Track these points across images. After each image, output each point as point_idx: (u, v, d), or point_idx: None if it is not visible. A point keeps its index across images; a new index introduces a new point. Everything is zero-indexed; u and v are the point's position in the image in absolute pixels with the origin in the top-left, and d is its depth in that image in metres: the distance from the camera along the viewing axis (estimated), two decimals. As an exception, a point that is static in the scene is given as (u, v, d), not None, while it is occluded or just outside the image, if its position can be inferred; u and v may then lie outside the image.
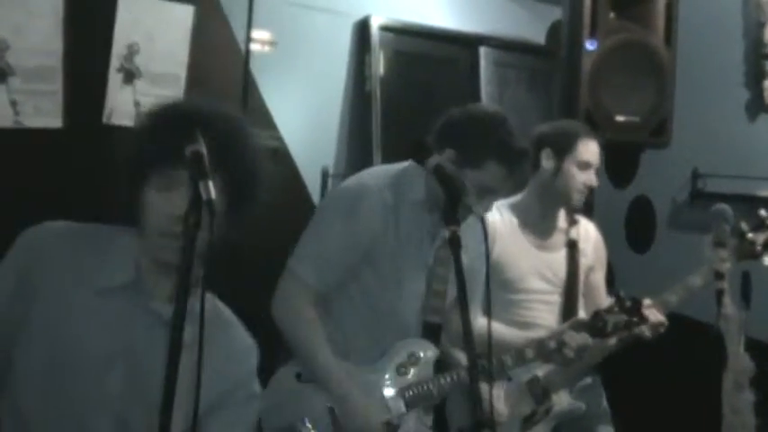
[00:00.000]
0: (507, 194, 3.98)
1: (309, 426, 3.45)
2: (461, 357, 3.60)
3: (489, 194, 3.41)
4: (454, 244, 2.91)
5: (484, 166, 3.36)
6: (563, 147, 4.24)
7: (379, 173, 3.64)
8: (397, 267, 3.50)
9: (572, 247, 4.38)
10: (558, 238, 4.38)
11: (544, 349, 3.84)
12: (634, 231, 5.95)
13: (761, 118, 5.80)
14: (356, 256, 3.47)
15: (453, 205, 3.03)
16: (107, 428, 2.44)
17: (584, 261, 4.40)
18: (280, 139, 5.86)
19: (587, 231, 4.45)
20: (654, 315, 4.03)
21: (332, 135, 6.05)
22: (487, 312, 3.00)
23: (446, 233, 2.82)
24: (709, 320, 3.57)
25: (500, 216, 4.27)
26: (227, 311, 2.78)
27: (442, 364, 3.68)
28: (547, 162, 4.25)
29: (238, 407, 2.65)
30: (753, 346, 3.55)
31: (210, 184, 2.20)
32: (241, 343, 2.73)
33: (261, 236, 5.67)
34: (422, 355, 3.57)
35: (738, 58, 5.81)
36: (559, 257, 4.36)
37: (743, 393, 3.54)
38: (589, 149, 4.22)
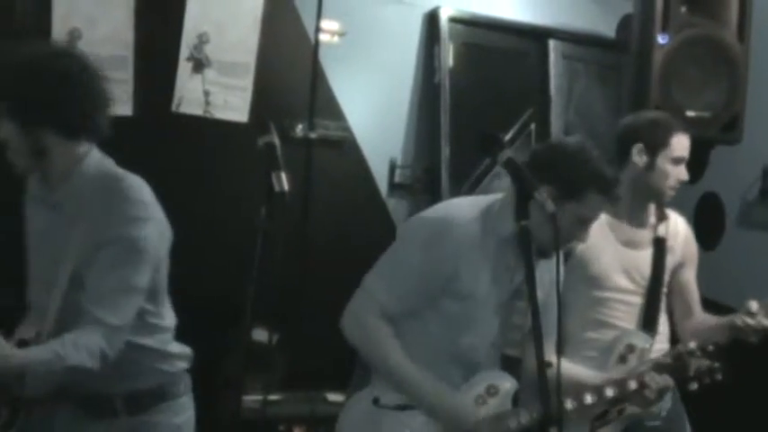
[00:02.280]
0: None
1: None
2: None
3: (587, 224, 3.40)
4: (524, 238, 2.92)
5: (583, 197, 3.32)
6: (657, 142, 4.13)
7: (465, 205, 3.55)
8: (476, 301, 3.43)
9: (659, 245, 4.28)
10: (646, 235, 4.27)
11: (625, 390, 3.77)
12: (703, 228, 5.85)
13: (832, 115, 5.72)
14: (433, 286, 3.41)
15: (524, 200, 3.07)
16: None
17: (672, 259, 4.29)
18: (348, 129, 5.87)
19: (677, 226, 4.34)
20: (760, 320, 3.94)
21: (400, 126, 6.03)
22: (558, 350, 3.05)
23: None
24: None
25: None
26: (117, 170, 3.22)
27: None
28: (639, 158, 4.14)
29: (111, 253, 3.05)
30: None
31: (283, 175, 2.20)
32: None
33: (328, 227, 5.74)
34: (500, 387, 3.50)
35: (811, 53, 5.73)
36: (645, 255, 4.25)
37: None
38: (682, 144, 4.13)
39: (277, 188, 2.21)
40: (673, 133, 4.11)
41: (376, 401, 3.48)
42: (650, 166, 4.13)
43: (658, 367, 3.82)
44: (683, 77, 5.40)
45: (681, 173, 4.13)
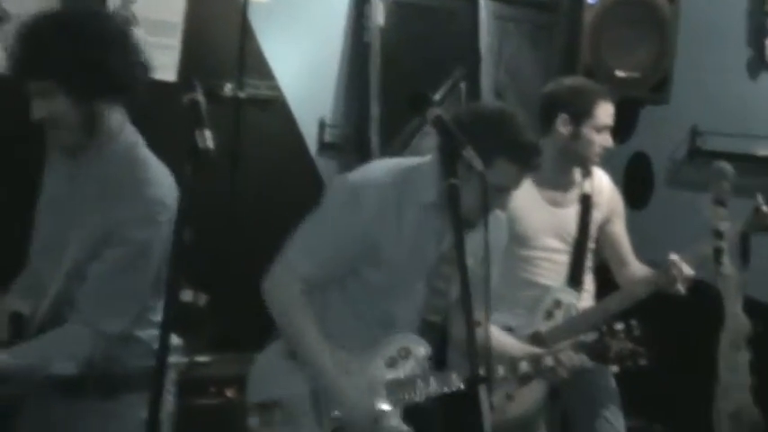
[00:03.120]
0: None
1: (289, 403, 3.42)
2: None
3: (503, 193, 3.33)
4: (452, 198, 2.88)
5: (494, 165, 3.22)
6: (581, 112, 4.15)
7: (389, 168, 3.49)
8: (398, 268, 3.40)
9: (585, 201, 4.32)
10: (572, 194, 4.32)
11: (539, 365, 3.73)
12: (632, 188, 5.91)
13: (762, 76, 5.77)
14: (353, 251, 3.38)
15: (452, 158, 2.98)
16: None
17: (598, 214, 4.34)
18: (277, 89, 5.80)
19: (601, 182, 4.39)
20: (684, 269, 3.98)
21: (330, 86, 5.98)
22: (486, 316, 2.98)
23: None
24: (708, 279, 3.55)
25: None
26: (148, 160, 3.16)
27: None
28: (564, 128, 4.17)
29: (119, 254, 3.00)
30: (750, 306, 3.52)
31: (208, 133, 2.16)
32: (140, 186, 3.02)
33: (257, 187, 5.69)
34: (413, 350, 3.48)
35: (741, 15, 5.77)
36: (572, 213, 4.31)
37: (739, 352, 3.53)
38: (606, 112, 4.15)
39: (201, 146, 2.16)
40: (596, 102, 4.12)
41: (291, 355, 3.45)
42: (575, 135, 4.16)
43: (577, 346, 3.79)
44: (613, 38, 5.43)
45: (605, 140, 4.15)
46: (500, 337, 3.83)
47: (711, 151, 5.64)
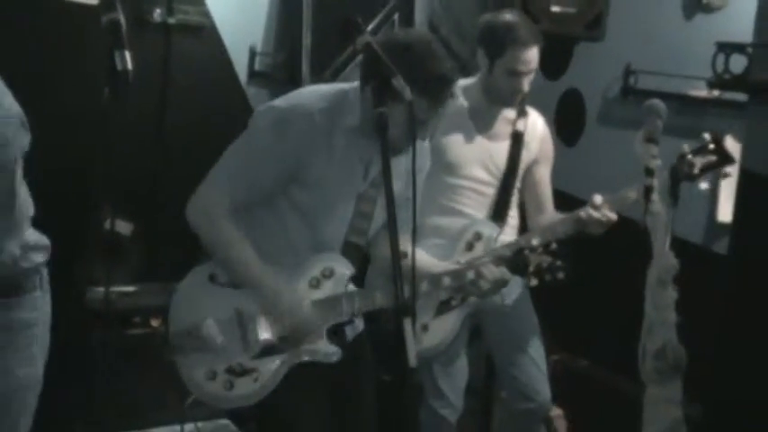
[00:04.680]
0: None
1: (213, 327, 3.39)
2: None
3: (419, 126, 3.25)
4: (380, 126, 2.91)
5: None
6: (493, 51, 4.11)
7: (316, 94, 3.47)
8: (327, 191, 3.39)
9: (516, 138, 4.31)
10: (504, 129, 4.30)
11: (461, 279, 3.76)
12: (564, 124, 5.91)
13: (697, 17, 5.78)
14: (280, 175, 3.37)
15: (381, 87, 3.02)
16: None
17: (527, 155, 4.34)
18: (207, 15, 5.71)
19: (535, 124, 4.37)
20: (604, 212, 4.01)
21: (261, 13, 5.91)
22: (413, 240, 3.02)
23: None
24: (637, 217, 3.54)
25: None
26: None
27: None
28: (481, 60, 4.17)
29: None
30: (678, 245, 3.53)
31: (127, 54, 2.08)
32: None
33: (186, 115, 5.61)
34: (336, 270, 3.48)
35: (678, -45, 5.76)
36: (502, 148, 4.30)
37: (666, 290, 3.52)
38: (519, 58, 4.07)
39: (120, 67, 2.09)
40: (509, 45, 4.05)
41: (212, 278, 3.45)
42: (490, 71, 4.13)
43: (497, 260, 3.82)
44: (550, -29, 5.37)
45: (517, 85, 4.10)
46: (422, 258, 3.79)
47: (644, 90, 5.66)
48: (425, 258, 3.88)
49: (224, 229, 3.36)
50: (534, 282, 3.81)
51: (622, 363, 4.01)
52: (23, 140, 2.90)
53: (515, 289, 4.39)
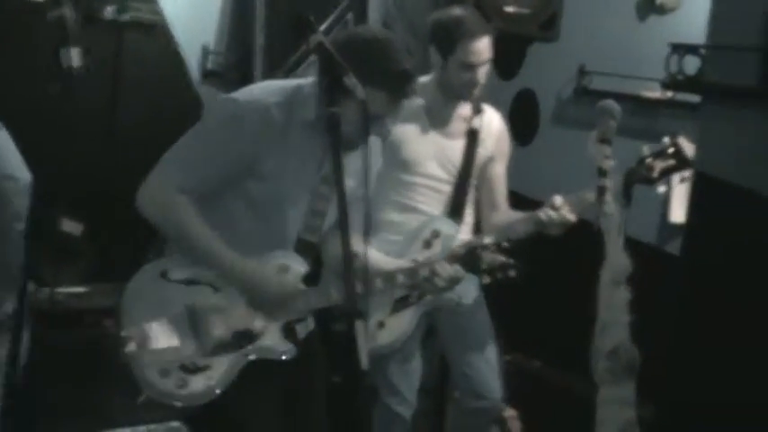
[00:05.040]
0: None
1: (166, 324, 3.38)
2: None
3: (377, 121, 3.29)
4: (332, 126, 2.96)
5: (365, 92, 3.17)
6: (445, 46, 4.12)
7: (272, 88, 3.48)
8: (282, 185, 3.40)
9: (472, 136, 4.30)
10: (460, 126, 4.30)
11: (415, 276, 3.79)
12: (518, 124, 5.88)
13: (651, 18, 5.78)
14: (231, 168, 3.36)
15: (333, 86, 3.06)
16: None
17: (483, 152, 4.33)
18: (160, 13, 5.68)
19: (491, 121, 4.37)
20: (563, 214, 4.00)
21: (214, 12, 5.93)
22: (365, 240, 3.06)
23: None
24: (590, 217, 3.54)
25: None
26: None
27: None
28: (434, 57, 4.17)
29: None
30: (631, 245, 3.53)
31: (73, 50, 2.04)
32: None
33: (138, 113, 5.57)
34: (291, 267, 3.47)
35: (632, -45, 5.77)
36: (458, 145, 4.29)
37: (619, 291, 3.53)
38: (471, 50, 4.07)
39: (66, 64, 2.05)
40: (459, 39, 4.06)
41: (164, 275, 3.43)
42: (443, 67, 4.14)
43: (451, 258, 3.85)
44: (503, -29, 5.36)
45: (472, 78, 4.11)
46: (376, 256, 3.84)
47: (598, 91, 5.64)
48: (379, 256, 3.90)
49: (176, 208, 3.34)
50: (487, 279, 3.83)
51: (575, 363, 4.01)
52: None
53: (472, 289, 4.40)
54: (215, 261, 3.38)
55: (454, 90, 4.18)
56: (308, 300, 3.48)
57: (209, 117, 3.47)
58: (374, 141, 3.49)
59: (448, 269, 3.77)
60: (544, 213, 4.03)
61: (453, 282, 3.81)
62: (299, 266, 3.48)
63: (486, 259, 3.80)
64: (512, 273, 3.78)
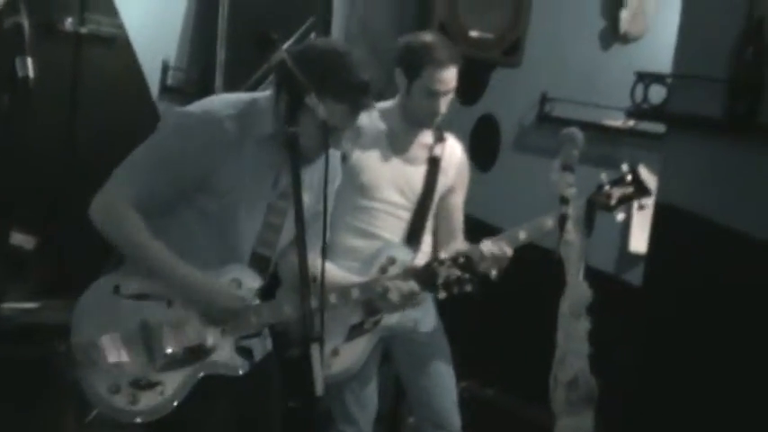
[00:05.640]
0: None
1: (117, 339, 3.32)
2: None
3: (336, 132, 3.28)
4: (292, 145, 3.00)
5: (323, 103, 3.17)
6: (410, 71, 4.09)
7: (227, 101, 3.47)
8: (235, 199, 3.37)
9: (433, 164, 4.27)
10: (421, 153, 4.26)
11: (370, 291, 3.78)
12: (479, 150, 5.88)
13: (614, 48, 5.83)
14: (183, 181, 3.34)
15: (294, 104, 3.10)
16: None
17: (444, 180, 4.30)
18: (120, 26, 5.62)
19: (453, 151, 4.34)
20: (500, 248, 3.97)
21: (175, 27, 5.85)
22: (323, 252, 3.05)
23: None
24: (550, 246, 3.52)
25: (368, 119, 4.12)
26: None
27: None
28: (400, 80, 4.14)
29: None
30: (591, 275, 3.50)
31: (29, 60, 1.98)
32: None
33: (95, 128, 5.50)
34: (244, 282, 3.44)
35: (597, -16, 5.80)
36: (419, 172, 4.26)
37: (579, 321, 3.50)
38: (437, 77, 4.04)
39: (21, 74, 1.99)
40: (426, 65, 4.04)
41: (116, 289, 3.38)
42: (407, 91, 4.12)
43: (406, 273, 3.86)
44: (469, -3, 5.36)
45: (434, 106, 4.09)
46: (333, 271, 3.79)
47: (560, 118, 5.68)
48: (335, 272, 3.84)
49: (128, 221, 3.31)
50: (443, 294, 3.83)
51: (531, 392, 3.99)
52: None
53: (430, 318, 4.37)
54: (166, 273, 3.35)
55: (416, 116, 4.15)
56: (261, 314, 3.45)
57: (162, 130, 3.44)
58: (333, 155, 3.45)
59: (402, 285, 3.79)
60: (484, 246, 4.01)
61: (407, 298, 3.80)
62: (252, 281, 3.45)
63: (442, 274, 3.79)
64: (468, 287, 3.78)
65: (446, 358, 4.44)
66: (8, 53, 1.98)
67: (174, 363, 3.34)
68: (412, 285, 3.79)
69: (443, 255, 3.89)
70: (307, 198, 3.13)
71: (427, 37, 4.16)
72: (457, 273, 3.78)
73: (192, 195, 3.36)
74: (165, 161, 3.32)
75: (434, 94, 4.05)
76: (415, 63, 4.06)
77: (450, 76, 4.06)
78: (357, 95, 3.27)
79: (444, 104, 4.10)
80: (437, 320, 4.43)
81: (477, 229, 4.41)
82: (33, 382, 4.76)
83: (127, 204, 3.30)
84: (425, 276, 3.82)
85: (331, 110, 3.19)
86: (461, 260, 3.83)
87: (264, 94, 3.43)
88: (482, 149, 6.03)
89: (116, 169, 3.36)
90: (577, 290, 3.50)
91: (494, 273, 4.00)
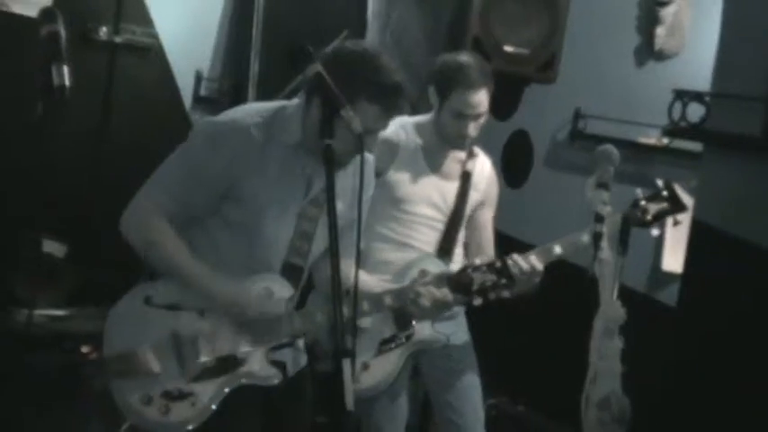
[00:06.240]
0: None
1: (149, 350, 3.32)
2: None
3: (369, 134, 3.26)
4: (328, 158, 2.97)
5: (355, 105, 3.18)
6: (441, 91, 4.09)
7: (253, 109, 3.47)
8: (260, 208, 3.36)
9: (465, 178, 4.26)
10: (455, 168, 4.26)
11: (402, 298, 3.74)
12: (511, 166, 5.87)
13: (648, 65, 5.79)
14: (213, 190, 3.34)
15: (330, 116, 3.08)
16: None
17: (475, 195, 4.30)
18: (155, 36, 5.66)
19: (483, 166, 4.34)
20: (533, 263, 3.93)
21: (210, 38, 5.86)
22: (356, 261, 3.03)
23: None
24: (585, 264, 3.49)
25: (405, 135, 4.16)
26: None
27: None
28: (433, 99, 4.13)
29: None
30: (625, 294, 3.46)
31: (65, 68, 1.97)
32: None
33: (128, 137, 5.51)
34: (276, 292, 3.42)
35: (633, 2, 5.79)
36: (452, 187, 4.25)
37: (612, 340, 3.44)
38: (465, 101, 4.02)
39: (57, 81, 1.97)
40: (456, 87, 4.02)
41: (148, 300, 3.38)
42: (439, 110, 4.11)
43: (440, 279, 3.81)
44: (504, 12, 5.36)
45: (462, 128, 4.07)
46: (364, 277, 3.76)
47: (593, 135, 5.64)
48: (367, 279, 3.82)
49: (158, 232, 3.31)
50: (478, 300, 3.78)
51: (562, 410, 3.95)
52: None
53: (461, 332, 4.35)
54: (197, 283, 3.34)
55: (445, 136, 4.14)
56: (293, 323, 3.42)
57: (191, 139, 3.44)
58: (368, 162, 3.47)
59: (435, 292, 3.74)
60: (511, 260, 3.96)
61: (440, 305, 3.77)
62: (284, 290, 3.43)
63: (477, 280, 3.75)
64: (504, 293, 3.76)
65: (474, 374, 4.41)
66: (44, 62, 1.97)
67: (205, 373, 3.33)
68: (445, 292, 3.75)
69: (478, 260, 3.84)
70: (340, 205, 3.11)
71: (462, 57, 4.13)
72: (493, 278, 3.75)
73: (218, 203, 3.36)
74: (195, 171, 3.32)
75: (462, 117, 4.04)
76: (446, 84, 4.05)
77: (479, 99, 4.03)
78: (389, 97, 3.26)
79: (474, 128, 4.08)
80: (468, 335, 4.41)
81: (507, 245, 4.36)
82: (62, 389, 4.76)
83: (156, 215, 3.31)
84: (460, 282, 3.77)
85: (363, 111, 3.19)
86: (498, 265, 3.78)
87: (292, 102, 3.43)
88: (515, 165, 6.01)
89: (147, 181, 3.37)
90: (611, 309, 3.46)
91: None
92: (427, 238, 4.23)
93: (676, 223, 3.95)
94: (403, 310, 3.84)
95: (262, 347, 3.39)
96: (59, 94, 1.99)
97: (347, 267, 3.11)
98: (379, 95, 3.23)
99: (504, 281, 3.75)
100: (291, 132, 3.34)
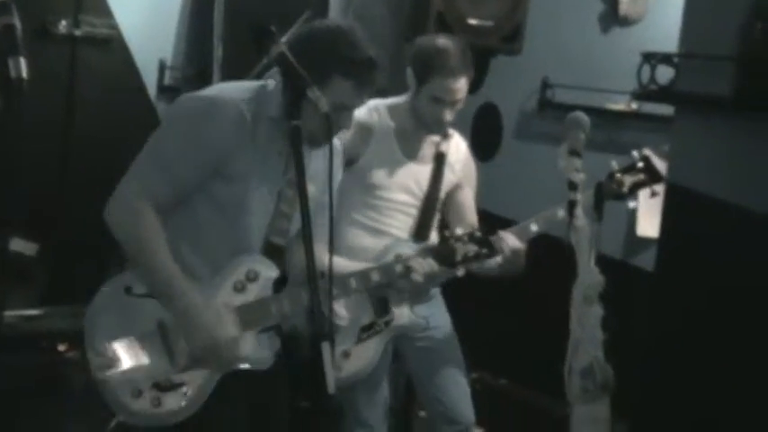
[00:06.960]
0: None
1: (134, 342, 3.25)
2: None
3: (343, 111, 3.27)
4: (294, 139, 2.99)
5: (329, 82, 3.19)
6: (420, 75, 4.05)
7: (236, 86, 3.44)
8: (249, 185, 3.32)
9: (439, 160, 4.23)
10: (429, 151, 4.23)
11: (390, 273, 3.74)
12: (480, 139, 5.85)
13: (614, 31, 5.79)
14: (203, 166, 3.27)
15: (296, 97, 3.06)
16: None
17: (451, 177, 4.28)
18: (115, 27, 5.63)
19: (458, 147, 4.32)
20: (511, 241, 3.94)
21: (171, 26, 5.84)
22: (330, 242, 3.02)
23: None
24: (560, 233, 3.48)
25: (378, 118, 4.13)
26: None
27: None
28: (410, 81, 4.10)
29: None
30: (602, 261, 3.45)
31: (22, 60, 1.93)
32: None
33: (93, 130, 5.46)
34: (261, 273, 3.37)
35: (593, -33, 5.76)
36: (426, 170, 4.23)
37: (592, 307, 3.44)
38: (444, 86, 3.99)
39: (14, 74, 1.93)
40: (436, 72, 3.99)
41: (128, 290, 3.31)
42: (416, 94, 4.09)
43: (424, 252, 3.83)
44: (467, -16, 5.31)
45: (439, 113, 4.04)
46: (340, 263, 3.72)
47: (561, 104, 5.64)
48: (342, 261, 3.80)
49: (147, 227, 3.22)
50: (462, 271, 3.80)
51: (545, 381, 3.95)
52: None
53: (440, 314, 4.36)
54: (169, 293, 3.24)
55: (422, 120, 4.11)
56: (282, 304, 3.37)
57: (175, 115, 3.40)
58: (337, 146, 3.42)
59: (423, 263, 3.76)
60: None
61: (430, 277, 3.79)
62: (270, 272, 3.38)
63: (460, 250, 3.76)
64: (488, 262, 3.84)
65: (456, 353, 4.42)
66: (0, 55, 1.93)
67: (196, 362, 3.27)
68: (432, 263, 3.77)
69: (459, 230, 3.83)
70: (312, 188, 3.10)
71: (441, 42, 4.08)
72: (474, 248, 3.76)
73: (205, 182, 3.29)
74: (182, 149, 3.25)
75: (440, 102, 4.01)
76: (425, 68, 4.01)
77: (458, 86, 4.01)
78: (364, 72, 3.24)
79: (450, 114, 4.05)
80: (446, 314, 4.40)
81: (481, 218, 4.37)
82: (38, 389, 4.72)
83: (149, 207, 3.22)
84: (443, 253, 3.78)
85: (338, 87, 3.19)
86: (477, 234, 3.79)
87: (272, 81, 3.38)
88: (484, 139, 5.99)
89: (131, 165, 3.28)
90: (589, 276, 3.44)
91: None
92: (402, 224, 4.21)
93: (654, 195, 3.95)
94: (391, 285, 3.82)
95: (250, 330, 3.34)
96: (17, 87, 1.95)
97: (320, 251, 3.09)
98: (354, 70, 3.21)
99: (485, 250, 3.77)
100: (274, 105, 3.30)
